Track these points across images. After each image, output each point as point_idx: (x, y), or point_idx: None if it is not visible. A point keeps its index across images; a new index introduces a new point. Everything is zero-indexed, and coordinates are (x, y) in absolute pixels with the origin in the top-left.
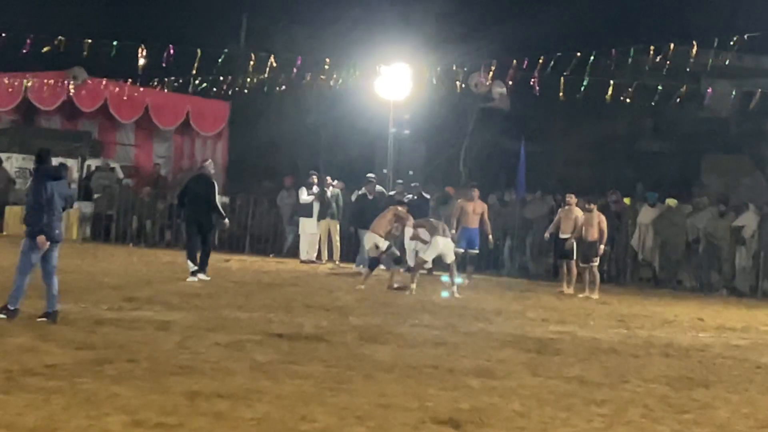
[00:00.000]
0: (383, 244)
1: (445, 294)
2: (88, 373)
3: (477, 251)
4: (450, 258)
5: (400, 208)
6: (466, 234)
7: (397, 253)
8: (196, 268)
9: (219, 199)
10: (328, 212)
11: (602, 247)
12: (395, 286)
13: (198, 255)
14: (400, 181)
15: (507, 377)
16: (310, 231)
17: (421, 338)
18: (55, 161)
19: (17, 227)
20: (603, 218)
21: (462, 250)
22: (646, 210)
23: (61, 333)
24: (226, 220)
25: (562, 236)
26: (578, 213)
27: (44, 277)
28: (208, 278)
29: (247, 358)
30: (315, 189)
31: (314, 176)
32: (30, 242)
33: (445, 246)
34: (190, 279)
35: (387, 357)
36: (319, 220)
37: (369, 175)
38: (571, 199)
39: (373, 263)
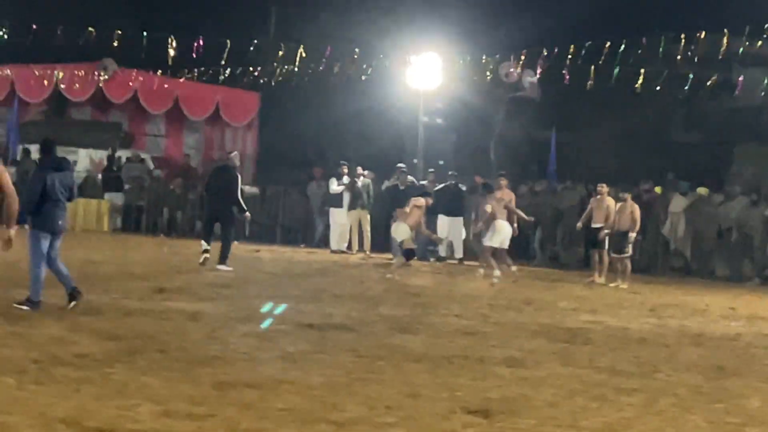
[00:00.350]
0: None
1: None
2: (118, 363)
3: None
4: (506, 244)
5: (422, 200)
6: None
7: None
8: (208, 247)
9: (249, 190)
10: (359, 202)
11: (633, 236)
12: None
13: (211, 237)
14: (431, 170)
15: (537, 367)
16: (340, 221)
17: (451, 328)
18: (85, 153)
19: None
20: (636, 208)
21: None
22: (677, 199)
23: (91, 323)
24: (247, 214)
25: (594, 226)
26: (610, 202)
27: (50, 266)
28: (231, 269)
29: (277, 348)
30: (345, 179)
31: (344, 166)
32: (35, 233)
33: (506, 230)
34: (204, 256)
35: (417, 347)
36: (349, 210)
37: (399, 165)
38: (603, 188)
39: (408, 254)
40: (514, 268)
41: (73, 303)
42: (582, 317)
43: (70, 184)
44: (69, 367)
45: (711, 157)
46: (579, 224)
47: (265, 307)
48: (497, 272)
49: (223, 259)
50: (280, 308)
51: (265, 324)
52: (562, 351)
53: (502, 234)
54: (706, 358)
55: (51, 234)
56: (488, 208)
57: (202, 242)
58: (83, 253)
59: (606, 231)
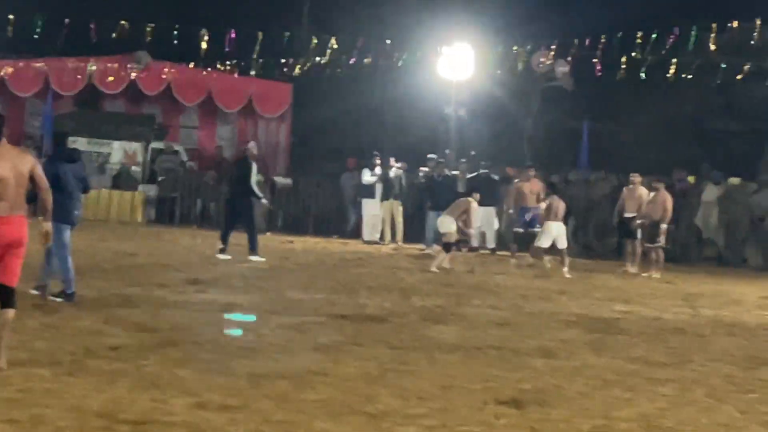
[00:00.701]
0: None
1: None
2: (152, 355)
3: (539, 229)
4: (562, 243)
5: (473, 201)
6: (524, 214)
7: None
8: (222, 246)
9: (282, 181)
10: (392, 193)
11: (664, 226)
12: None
13: (229, 235)
14: (463, 160)
15: (571, 357)
16: (373, 212)
17: (484, 319)
18: (118, 145)
19: (84, 210)
20: (668, 197)
21: (521, 230)
22: (710, 188)
23: (125, 315)
24: (264, 200)
25: (627, 215)
26: (642, 192)
27: (46, 255)
28: (263, 259)
29: (311, 339)
30: (378, 170)
31: (377, 157)
32: (56, 225)
33: (558, 230)
34: (218, 256)
35: (450, 338)
36: (382, 201)
37: (430, 155)
38: (636, 178)
39: (447, 247)
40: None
41: (37, 292)
42: (615, 307)
43: (82, 175)
44: (103, 360)
45: (746, 146)
46: (615, 219)
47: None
48: (548, 265)
49: (252, 249)
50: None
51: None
52: (596, 341)
53: (551, 235)
54: (740, 347)
55: (68, 225)
56: (542, 206)
57: (219, 241)
58: (117, 244)
59: (639, 221)
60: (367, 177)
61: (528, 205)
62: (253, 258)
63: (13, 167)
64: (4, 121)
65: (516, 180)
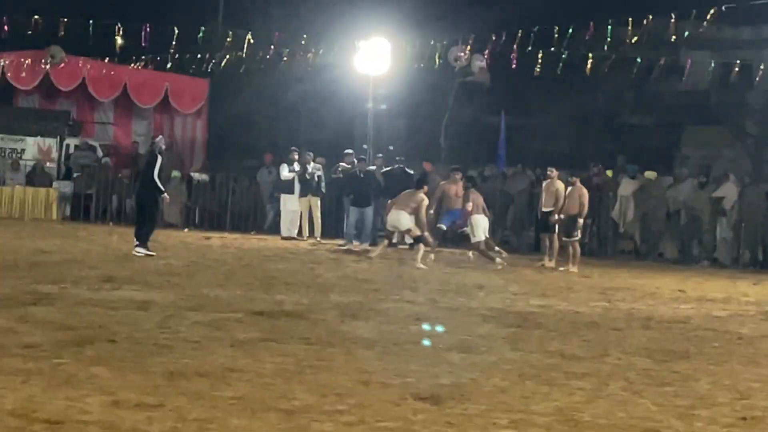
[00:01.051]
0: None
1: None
2: (67, 354)
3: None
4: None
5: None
6: (451, 216)
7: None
8: (137, 243)
9: (198, 177)
10: (310, 188)
11: (580, 221)
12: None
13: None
14: (380, 155)
15: (488, 352)
16: (291, 207)
17: (402, 314)
18: (32, 141)
19: None
20: (584, 192)
21: (445, 227)
22: (626, 182)
23: (40, 314)
24: (165, 195)
25: (544, 210)
26: (560, 186)
27: None
28: (153, 254)
29: (228, 336)
30: (296, 166)
31: (295, 153)
32: None
33: (485, 222)
34: (136, 251)
35: (368, 333)
36: (300, 196)
37: (347, 150)
38: (552, 172)
39: (423, 240)
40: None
41: None
42: (532, 301)
43: None
44: (17, 358)
45: (660, 140)
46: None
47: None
48: (498, 260)
49: (142, 241)
50: None
51: None
52: (513, 336)
53: (481, 226)
54: (656, 341)
55: None
56: (469, 206)
57: (135, 238)
58: (31, 242)
59: (556, 216)
60: (285, 172)
61: (453, 207)
62: (140, 251)
63: None
64: None
65: (442, 182)
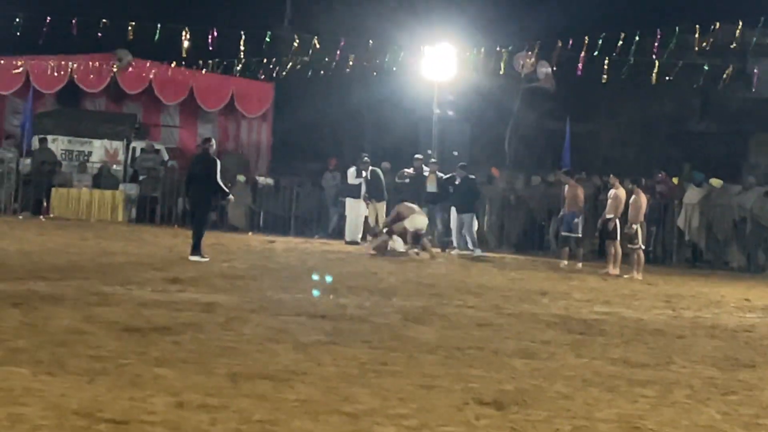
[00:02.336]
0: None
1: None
2: (132, 354)
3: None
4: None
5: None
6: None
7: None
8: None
9: (263, 181)
10: (375, 194)
11: (635, 227)
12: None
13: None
14: (434, 159)
15: (551, 358)
16: (356, 212)
17: (465, 319)
18: (99, 144)
19: (63, 209)
20: (642, 199)
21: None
22: (692, 190)
23: (106, 315)
24: (231, 197)
25: (607, 217)
26: (621, 194)
27: None
28: (207, 259)
29: (291, 339)
30: (364, 173)
31: (366, 158)
32: None
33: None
34: (192, 257)
35: (431, 338)
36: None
37: (417, 155)
38: (613, 179)
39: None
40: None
41: None
42: (596, 308)
43: None
44: (83, 358)
45: (727, 148)
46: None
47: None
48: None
49: (195, 249)
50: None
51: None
52: (576, 342)
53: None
54: (721, 349)
55: None
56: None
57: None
58: (97, 243)
59: (616, 221)
60: (352, 177)
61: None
62: (194, 258)
63: None
64: None
65: (566, 186)
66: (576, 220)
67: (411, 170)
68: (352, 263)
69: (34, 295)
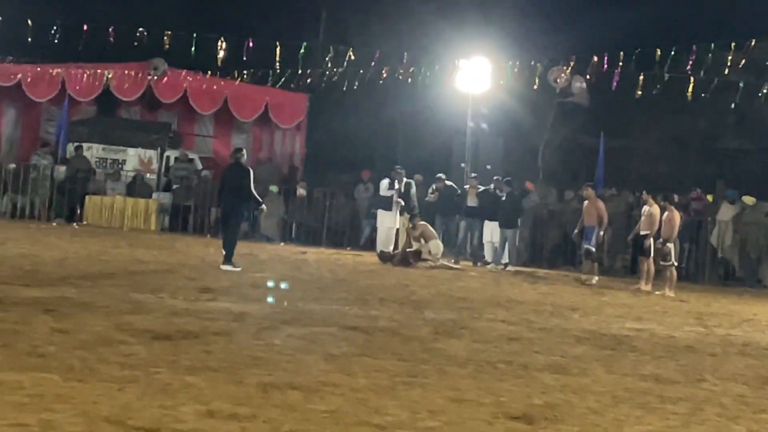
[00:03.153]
0: None
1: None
2: (163, 363)
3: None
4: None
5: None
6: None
7: None
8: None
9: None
10: (406, 206)
11: (669, 245)
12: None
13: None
14: (474, 174)
15: (582, 374)
16: (388, 224)
17: (495, 333)
18: (134, 152)
19: (97, 216)
20: (675, 216)
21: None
22: (725, 207)
23: (137, 322)
24: (263, 206)
25: (642, 233)
26: (655, 211)
27: None
28: (234, 269)
29: (321, 350)
30: (396, 184)
31: (399, 170)
32: None
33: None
34: (224, 266)
35: (461, 351)
36: (401, 213)
37: (439, 175)
38: (647, 196)
39: None
40: None
41: None
42: (627, 324)
43: None
44: (114, 366)
45: (761, 165)
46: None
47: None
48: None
49: (227, 259)
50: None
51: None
52: (607, 358)
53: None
54: (753, 367)
55: None
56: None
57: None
58: (130, 251)
59: (650, 238)
60: (385, 189)
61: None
62: (227, 268)
63: None
64: None
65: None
66: (597, 234)
67: (434, 193)
68: (383, 275)
69: (66, 301)
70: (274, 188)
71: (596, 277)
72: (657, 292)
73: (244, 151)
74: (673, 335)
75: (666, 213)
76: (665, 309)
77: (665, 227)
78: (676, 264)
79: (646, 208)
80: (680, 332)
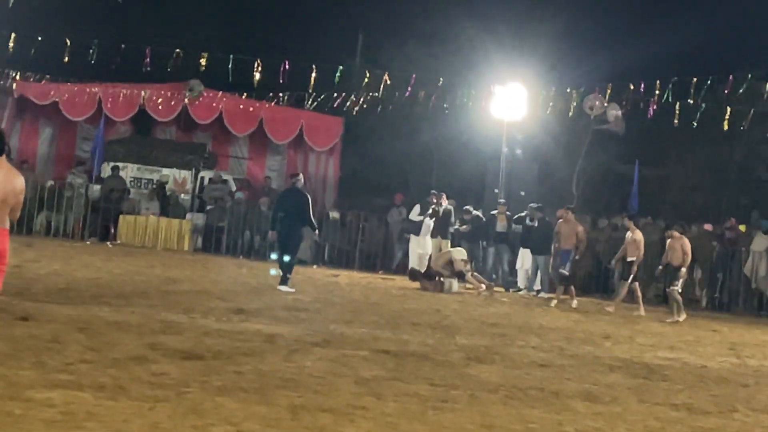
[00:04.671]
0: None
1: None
2: (194, 383)
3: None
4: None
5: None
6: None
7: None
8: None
9: (331, 215)
10: (440, 230)
11: (684, 270)
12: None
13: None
14: (501, 200)
15: (613, 402)
16: (419, 250)
17: (527, 360)
18: (168, 172)
19: (131, 236)
20: (687, 243)
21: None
22: (759, 238)
23: (169, 342)
24: (317, 232)
25: (628, 259)
26: (638, 236)
27: None
28: (290, 290)
29: (352, 373)
30: (430, 210)
31: (434, 196)
32: None
33: None
34: (280, 287)
35: (492, 377)
36: (432, 237)
37: (466, 207)
38: (628, 222)
39: None
40: None
41: None
42: (660, 353)
43: None
44: (145, 385)
45: None
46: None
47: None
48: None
49: (284, 280)
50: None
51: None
52: (639, 387)
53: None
54: None
55: None
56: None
57: (280, 272)
58: (163, 271)
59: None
60: (415, 214)
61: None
62: (283, 288)
63: (6, 183)
64: (3, 137)
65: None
66: (572, 257)
67: (465, 226)
68: (416, 299)
69: (99, 320)
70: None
71: (555, 300)
72: (667, 320)
73: (301, 175)
74: (705, 365)
75: (674, 240)
76: (698, 338)
77: (680, 254)
78: (680, 291)
79: (629, 234)
80: (713, 362)
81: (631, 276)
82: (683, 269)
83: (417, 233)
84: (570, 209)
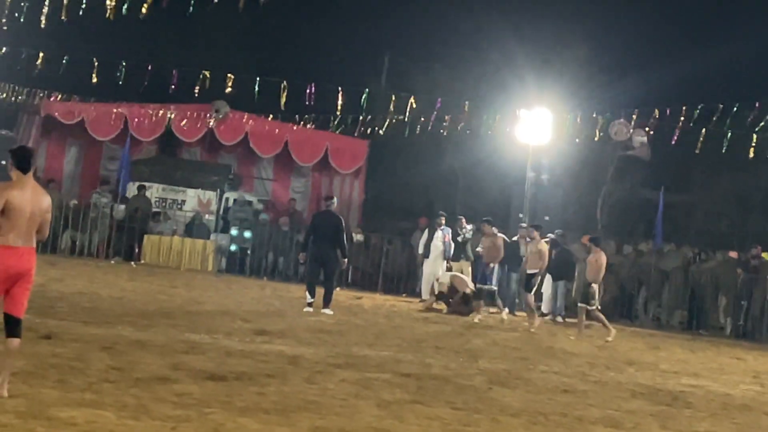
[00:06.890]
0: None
1: None
2: (216, 403)
3: None
4: None
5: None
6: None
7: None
8: (312, 300)
9: (355, 237)
10: (462, 254)
11: (595, 287)
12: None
13: (315, 289)
14: (523, 224)
15: (635, 429)
16: (427, 270)
17: (550, 384)
18: (193, 193)
19: (155, 256)
20: (602, 258)
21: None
22: None
23: (192, 362)
24: (345, 260)
25: (529, 272)
26: (543, 247)
27: None
28: (332, 313)
29: (375, 396)
30: (439, 233)
31: (442, 218)
32: None
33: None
34: (306, 309)
35: (515, 402)
36: (453, 260)
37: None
38: (534, 233)
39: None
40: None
41: None
42: (683, 380)
43: None
44: (167, 405)
45: None
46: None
47: None
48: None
49: (327, 303)
50: None
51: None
52: (662, 413)
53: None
54: None
55: None
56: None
57: (308, 294)
58: (187, 291)
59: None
60: (437, 241)
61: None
62: (327, 312)
63: (33, 201)
64: (31, 155)
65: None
66: (491, 270)
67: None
68: (438, 323)
69: (122, 339)
70: None
71: (479, 315)
72: (571, 337)
73: (335, 198)
74: (729, 393)
75: (592, 255)
76: (721, 366)
77: (590, 268)
78: (599, 307)
79: (533, 245)
80: (736, 390)
81: (534, 288)
82: (594, 285)
83: (426, 256)
84: (487, 221)
